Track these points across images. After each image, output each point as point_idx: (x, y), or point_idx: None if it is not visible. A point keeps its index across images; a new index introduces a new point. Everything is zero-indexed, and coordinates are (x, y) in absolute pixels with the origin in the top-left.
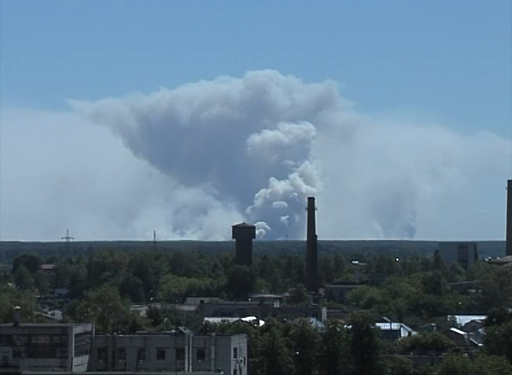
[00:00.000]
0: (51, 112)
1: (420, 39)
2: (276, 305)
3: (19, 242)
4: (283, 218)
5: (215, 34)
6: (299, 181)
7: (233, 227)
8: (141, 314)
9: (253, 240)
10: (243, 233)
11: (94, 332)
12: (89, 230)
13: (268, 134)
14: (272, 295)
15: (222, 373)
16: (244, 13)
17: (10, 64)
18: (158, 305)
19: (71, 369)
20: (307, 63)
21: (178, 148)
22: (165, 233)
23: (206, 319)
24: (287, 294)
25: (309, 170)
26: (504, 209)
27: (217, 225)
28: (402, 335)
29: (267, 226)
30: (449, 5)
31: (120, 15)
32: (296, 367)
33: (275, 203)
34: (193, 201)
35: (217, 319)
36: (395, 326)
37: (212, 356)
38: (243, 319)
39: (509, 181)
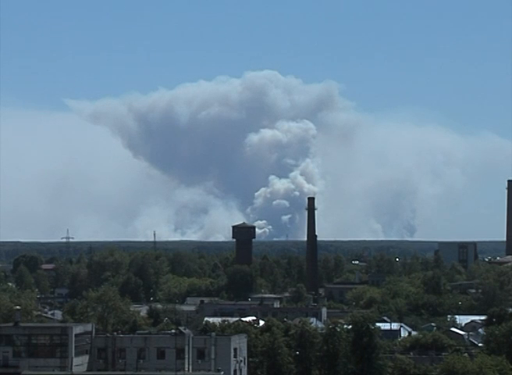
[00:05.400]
0: (50, 112)
1: (420, 39)
2: (276, 305)
3: (19, 242)
4: (285, 217)
5: (214, 35)
6: (300, 179)
7: (233, 227)
8: (141, 314)
9: (253, 240)
10: (243, 233)
11: (94, 332)
12: (89, 230)
13: (267, 133)
14: (272, 295)
15: (222, 373)
16: (243, 14)
17: (9, 64)
18: (159, 305)
19: (71, 369)
20: (307, 64)
21: (177, 149)
22: (166, 233)
23: (206, 319)
24: (287, 294)
25: (310, 169)
26: (504, 209)
27: (218, 224)
28: (402, 335)
29: (268, 226)
30: (449, 5)
31: (119, 15)
32: (296, 367)
33: (275, 202)
34: (194, 200)
35: (217, 319)
36: (395, 326)
37: (212, 356)
38: (243, 319)
39: (509, 181)
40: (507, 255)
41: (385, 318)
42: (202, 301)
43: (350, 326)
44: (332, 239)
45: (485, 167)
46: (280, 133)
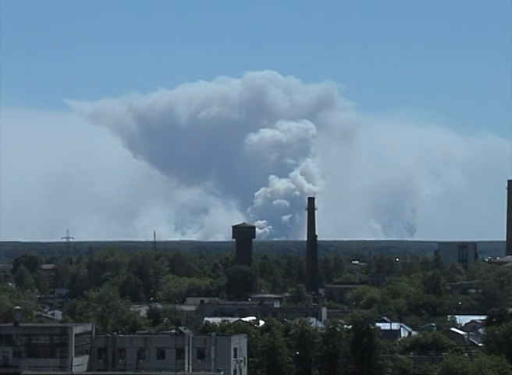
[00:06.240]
0: (50, 112)
1: (420, 39)
2: (276, 305)
3: (19, 242)
4: (285, 217)
5: (214, 34)
6: (300, 179)
7: (233, 227)
8: (141, 314)
9: (253, 240)
10: (243, 233)
11: (94, 332)
12: (89, 230)
13: (267, 133)
14: (272, 295)
15: (222, 373)
16: (243, 14)
17: (9, 64)
18: (159, 305)
19: (71, 369)
20: (307, 64)
21: (177, 149)
22: (167, 233)
23: (206, 319)
24: (287, 294)
25: (310, 168)
26: (504, 209)
27: (218, 224)
28: (402, 335)
29: (268, 226)
30: (448, 5)
31: (118, 15)
32: (296, 367)
33: (275, 202)
34: (194, 200)
35: (217, 319)
36: (395, 326)
37: (212, 356)
38: (243, 319)
39: (509, 181)
40: (507, 255)
41: (385, 318)
42: (202, 301)
43: (350, 326)
44: (332, 239)
45: (485, 167)
46: (280, 133)
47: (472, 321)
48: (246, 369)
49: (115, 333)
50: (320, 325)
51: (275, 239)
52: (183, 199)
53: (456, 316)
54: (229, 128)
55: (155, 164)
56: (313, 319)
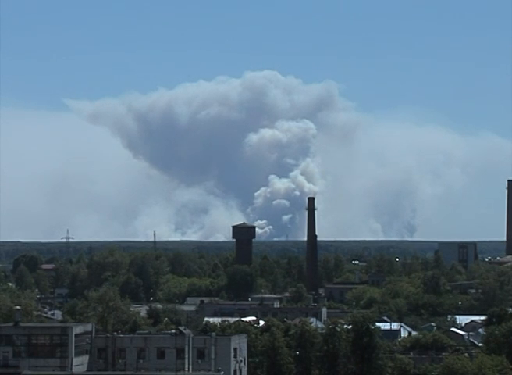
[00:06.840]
0: (50, 112)
1: (419, 39)
2: (276, 305)
3: (19, 242)
4: (285, 217)
5: (214, 34)
6: (300, 179)
7: (233, 227)
8: (141, 314)
9: (253, 240)
10: (243, 233)
11: (94, 332)
12: (89, 230)
13: (267, 133)
14: (272, 295)
15: (222, 373)
16: (243, 13)
17: (9, 64)
18: (159, 305)
19: (71, 369)
20: (307, 64)
21: (177, 149)
22: (166, 233)
23: (206, 319)
24: (287, 294)
25: (310, 168)
26: (504, 209)
27: (218, 224)
28: (402, 335)
29: (268, 226)
30: (448, 5)
31: (118, 15)
32: (296, 367)
33: (275, 202)
34: (194, 200)
35: (217, 319)
36: (395, 326)
37: (212, 356)
38: (243, 319)
39: (509, 181)
40: (507, 255)
41: (385, 318)
42: (202, 301)
43: (350, 326)
44: (332, 239)
45: (485, 167)
46: (280, 132)
47: (472, 321)
48: (246, 369)
49: (115, 333)
50: (320, 325)
51: (275, 239)
52: (183, 199)
53: (456, 316)
54: (229, 128)
55: (155, 164)
56: (313, 319)
